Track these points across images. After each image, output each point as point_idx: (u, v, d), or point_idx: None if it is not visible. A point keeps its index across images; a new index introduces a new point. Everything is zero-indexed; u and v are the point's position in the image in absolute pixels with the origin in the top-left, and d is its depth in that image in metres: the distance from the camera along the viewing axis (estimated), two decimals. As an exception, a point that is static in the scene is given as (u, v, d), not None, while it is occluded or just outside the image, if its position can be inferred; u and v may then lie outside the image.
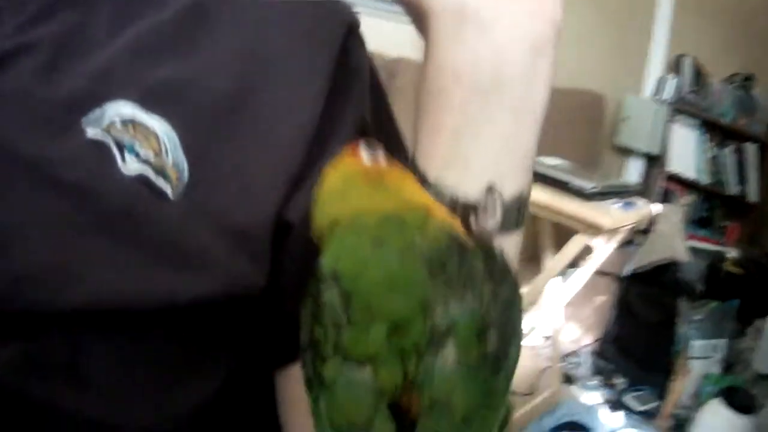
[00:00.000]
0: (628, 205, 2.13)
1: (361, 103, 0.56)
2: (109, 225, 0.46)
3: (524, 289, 2.08)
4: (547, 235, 2.43)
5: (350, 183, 0.41)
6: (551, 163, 2.30)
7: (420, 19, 0.46)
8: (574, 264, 2.37)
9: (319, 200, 0.41)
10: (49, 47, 0.51)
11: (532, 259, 2.44)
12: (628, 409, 2.61)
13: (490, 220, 0.43)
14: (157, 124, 0.48)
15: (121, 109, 0.48)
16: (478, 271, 0.38)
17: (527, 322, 2.66)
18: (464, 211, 0.43)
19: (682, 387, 2.60)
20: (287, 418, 0.56)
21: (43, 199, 0.45)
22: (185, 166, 0.48)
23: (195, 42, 0.53)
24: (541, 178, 2.14)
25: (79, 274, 0.45)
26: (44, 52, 0.51)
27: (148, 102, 0.49)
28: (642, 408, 2.62)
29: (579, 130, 3.41)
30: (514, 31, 0.43)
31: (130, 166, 0.47)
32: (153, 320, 0.48)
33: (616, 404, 2.65)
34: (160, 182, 0.47)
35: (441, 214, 0.40)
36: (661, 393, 2.67)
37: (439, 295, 0.36)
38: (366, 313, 0.36)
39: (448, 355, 0.36)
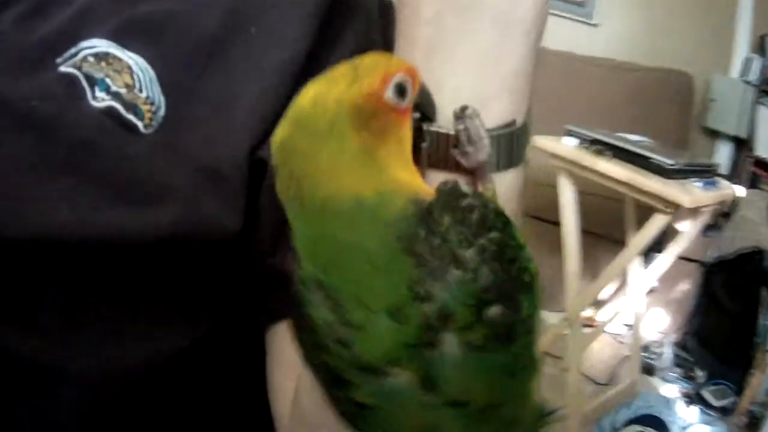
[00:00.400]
0: (709, 184, 1.99)
1: (363, 36, 0.53)
2: (70, 158, 0.45)
3: (606, 271, 2.03)
4: (631, 215, 2.30)
5: (338, 132, 0.35)
6: (633, 138, 2.18)
7: None
8: (657, 248, 2.26)
9: (289, 136, 0.36)
10: None
11: (617, 240, 2.31)
12: (706, 404, 2.48)
13: (472, 149, 0.38)
14: (132, 59, 0.48)
15: (95, 45, 0.48)
16: (457, 234, 0.34)
17: (608, 306, 2.57)
18: (443, 142, 0.39)
19: (760, 382, 2.47)
20: (273, 378, 0.53)
21: (6, 133, 0.46)
22: (161, 101, 0.48)
23: None
24: (622, 153, 2.04)
25: (27, 205, 0.45)
26: (29, 0, 0.52)
27: (124, 37, 0.49)
28: (719, 403, 2.49)
29: (667, 110, 3.33)
30: None
31: (99, 100, 0.47)
32: (115, 265, 0.46)
33: (694, 398, 2.52)
34: (130, 116, 0.47)
35: (422, 194, 0.36)
36: (739, 388, 2.53)
37: (422, 276, 0.33)
38: (359, 307, 0.34)
39: (450, 343, 0.33)
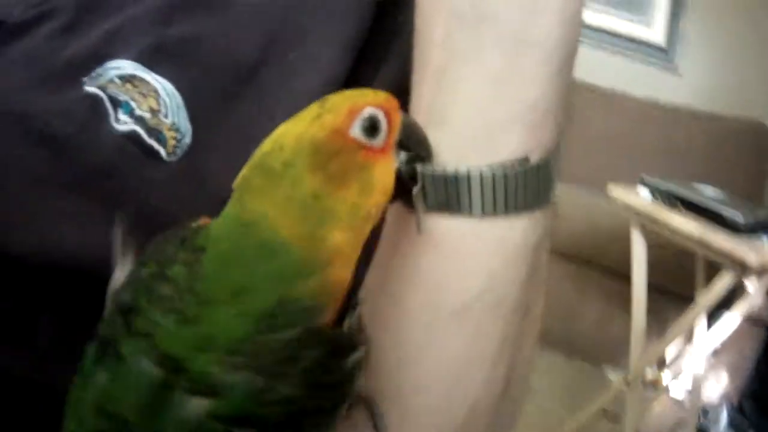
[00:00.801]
0: (781, 243, 1.99)
1: (405, 61, 0.49)
2: (83, 178, 0.44)
3: (672, 329, 2.02)
4: (701, 270, 2.30)
5: (291, 172, 0.32)
6: (705, 191, 2.20)
7: None
8: (724, 306, 2.23)
9: (248, 166, 0.34)
10: (71, 11, 0.50)
11: (685, 296, 2.32)
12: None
13: (419, 199, 0.36)
14: (159, 81, 0.46)
15: (122, 66, 0.46)
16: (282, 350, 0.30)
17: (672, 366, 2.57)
18: (438, 184, 0.36)
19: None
20: None
21: (23, 150, 0.44)
22: (188, 129, 0.46)
23: (219, 2, 0.50)
24: (691, 206, 2.05)
25: (31, 221, 0.43)
26: (64, 16, 0.49)
27: (152, 59, 0.47)
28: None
29: (745, 161, 3.28)
30: None
31: (122, 123, 0.45)
32: None
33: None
34: (152, 142, 0.45)
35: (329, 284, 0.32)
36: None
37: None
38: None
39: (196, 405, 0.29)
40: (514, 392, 0.44)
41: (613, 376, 2.49)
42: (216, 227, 0.33)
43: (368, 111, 0.33)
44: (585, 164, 3.25)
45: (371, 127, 0.33)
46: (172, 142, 0.45)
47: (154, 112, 0.45)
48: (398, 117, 0.35)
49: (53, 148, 0.44)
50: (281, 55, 0.49)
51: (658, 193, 2.14)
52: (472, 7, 0.36)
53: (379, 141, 0.34)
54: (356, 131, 0.33)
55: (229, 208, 0.33)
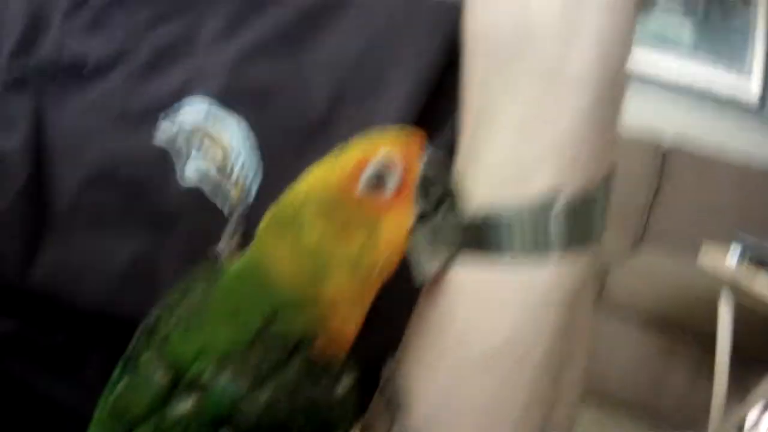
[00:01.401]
0: None
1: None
2: (150, 227, 0.44)
3: (753, 394, 1.99)
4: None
5: (299, 221, 0.34)
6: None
7: None
8: None
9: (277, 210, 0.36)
10: (149, 53, 0.50)
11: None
12: None
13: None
14: (232, 125, 0.46)
15: (196, 107, 0.47)
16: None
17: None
18: (457, 228, 0.36)
19: None
20: None
21: (94, 193, 0.44)
22: (257, 172, 0.46)
23: (305, 42, 0.51)
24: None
25: (101, 276, 0.44)
26: (143, 58, 0.50)
27: (228, 101, 0.47)
28: None
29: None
30: None
31: (187, 178, 0.45)
32: None
33: None
34: (215, 199, 0.45)
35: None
36: None
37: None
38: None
39: (183, 407, 0.32)
40: None
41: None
42: (235, 263, 0.36)
43: (376, 164, 0.34)
44: (678, 229, 3.17)
45: (377, 181, 0.34)
46: (236, 199, 0.45)
47: (220, 167, 0.45)
48: (417, 165, 0.35)
49: (122, 194, 0.44)
50: (354, 104, 0.49)
51: (749, 254, 2.14)
52: (507, 44, 0.35)
53: (388, 193, 0.34)
54: (362, 185, 0.33)
55: (250, 247, 0.36)
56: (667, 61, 3.66)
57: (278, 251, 0.34)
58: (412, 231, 0.35)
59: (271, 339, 0.33)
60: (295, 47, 0.51)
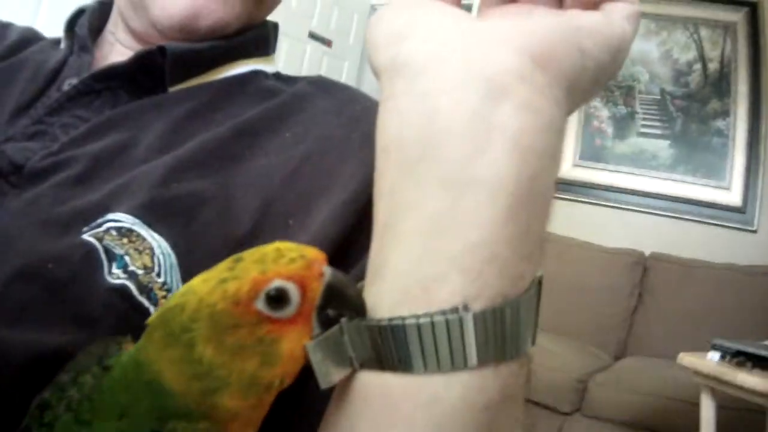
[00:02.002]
0: None
1: None
2: (71, 325, 0.43)
3: None
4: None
5: (187, 339, 0.32)
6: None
7: None
8: None
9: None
10: (87, 162, 0.51)
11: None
12: None
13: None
14: (155, 239, 0.46)
15: (120, 220, 0.46)
16: None
17: None
18: (365, 338, 0.33)
19: None
20: None
21: (19, 285, 0.43)
22: (178, 288, 0.44)
23: (235, 160, 0.51)
24: (763, 362, 2.05)
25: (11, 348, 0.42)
26: (79, 167, 0.50)
27: (151, 216, 0.47)
28: None
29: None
30: (456, 74, 0.33)
31: (114, 276, 0.44)
32: None
33: None
34: (143, 299, 0.44)
35: None
36: None
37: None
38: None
39: None
40: None
41: None
42: (126, 354, 0.34)
43: (276, 283, 0.32)
44: (664, 335, 3.22)
45: (278, 300, 0.32)
46: (161, 302, 0.44)
47: (147, 269, 0.45)
48: (317, 285, 0.33)
49: (46, 289, 0.43)
50: (278, 222, 0.48)
51: (728, 355, 2.15)
52: (413, 150, 0.33)
53: (288, 312, 0.32)
54: (261, 303, 0.31)
55: (139, 342, 0.34)
56: (646, 178, 3.80)
57: (168, 360, 0.32)
58: (313, 347, 0.33)
59: None
60: (225, 164, 0.51)
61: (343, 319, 0.33)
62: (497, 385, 0.33)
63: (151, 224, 0.46)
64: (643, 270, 3.50)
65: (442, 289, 0.32)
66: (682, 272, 3.40)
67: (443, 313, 0.31)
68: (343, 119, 0.55)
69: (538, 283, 0.34)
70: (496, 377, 0.33)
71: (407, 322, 0.32)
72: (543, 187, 0.33)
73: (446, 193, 0.32)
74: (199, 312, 0.31)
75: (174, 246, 0.46)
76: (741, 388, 2.01)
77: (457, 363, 0.32)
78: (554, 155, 0.34)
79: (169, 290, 0.45)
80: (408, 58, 0.34)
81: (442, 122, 0.32)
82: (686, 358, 2.20)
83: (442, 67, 0.33)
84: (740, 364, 2.09)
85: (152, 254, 0.45)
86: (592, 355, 3.22)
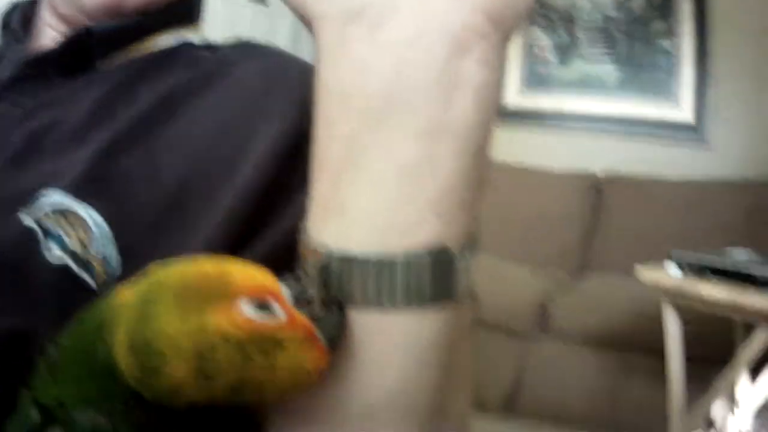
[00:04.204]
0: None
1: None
2: (16, 308, 0.44)
3: (713, 389, 1.98)
4: (741, 331, 2.26)
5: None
6: (736, 256, 2.17)
7: (310, 29, 0.36)
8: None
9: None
10: (21, 144, 0.53)
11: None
12: None
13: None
14: (89, 212, 0.47)
15: (54, 198, 0.48)
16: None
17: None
18: (340, 274, 0.34)
19: None
20: None
21: None
22: (117, 260, 0.46)
23: (160, 127, 0.53)
24: (722, 273, 2.04)
25: None
26: (13, 149, 0.53)
27: (83, 192, 0.48)
28: None
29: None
30: (418, 27, 0.33)
31: (54, 256, 0.45)
32: None
33: None
34: (84, 275, 0.45)
35: None
36: None
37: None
38: None
39: None
40: None
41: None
42: (95, 309, 0.36)
43: (252, 297, 0.32)
44: (623, 253, 3.23)
45: (264, 309, 0.32)
46: (101, 275, 0.45)
47: (84, 245, 0.46)
48: (281, 287, 0.33)
49: None
50: (204, 180, 0.49)
51: (687, 267, 2.12)
52: (380, 99, 0.33)
53: (281, 316, 0.32)
54: (252, 313, 0.32)
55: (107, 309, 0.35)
56: (595, 102, 3.80)
57: (123, 357, 0.32)
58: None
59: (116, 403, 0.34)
60: (151, 133, 0.52)
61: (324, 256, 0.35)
62: (465, 320, 0.36)
63: (85, 200, 0.48)
64: (598, 191, 3.52)
65: (421, 232, 0.34)
66: (637, 191, 3.42)
67: (424, 254, 0.33)
68: (268, 79, 0.56)
69: None
70: (464, 313, 0.36)
71: (395, 259, 0.34)
72: (492, 131, 0.36)
73: (419, 143, 0.33)
74: (181, 351, 0.31)
75: (108, 220, 0.47)
76: (705, 301, 2.00)
77: (439, 300, 0.34)
78: (498, 108, 0.37)
79: (107, 264, 0.46)
80: (364, 6, 0.34)
81: (412, 74, 0.33)
82: (645, 273, 2.17)
83: (403, 19, 0.33)
84: (701, 276, 2.05)
85: (88, 230, 0.46)
86: (552, 277, 3.26)
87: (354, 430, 0.36)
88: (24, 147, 0.53)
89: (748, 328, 2.12)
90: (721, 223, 3.12)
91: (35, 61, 0.60)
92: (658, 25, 3.69)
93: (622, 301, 2.84)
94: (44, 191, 0.48)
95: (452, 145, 0.34)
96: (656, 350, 2.39)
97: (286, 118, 0.51)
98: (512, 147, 3.49)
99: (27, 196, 0.48)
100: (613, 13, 3.78)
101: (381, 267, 0.34)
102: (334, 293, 0.34)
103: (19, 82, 0.59)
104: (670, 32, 3.65)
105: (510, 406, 2.99)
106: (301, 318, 0.32)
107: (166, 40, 0.64)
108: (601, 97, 3.80)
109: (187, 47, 0.64)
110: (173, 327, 0.31)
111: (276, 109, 0.53)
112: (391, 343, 0.35)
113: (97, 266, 0.46)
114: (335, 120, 0.35)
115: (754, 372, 2.19)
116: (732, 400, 2.21)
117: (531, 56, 3.95)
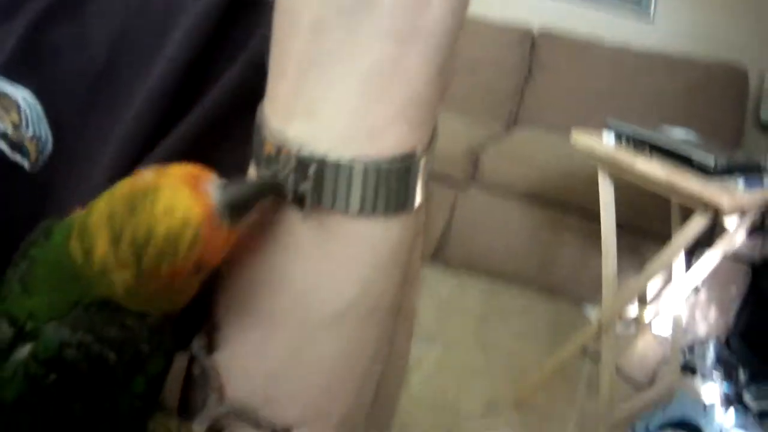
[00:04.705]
0: (755, 184, 1.92)
1: (236, 80, 0.47)
2: None
3: (648, 268, 2.00)
4: (677, 211, 2.27)
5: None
6: (675, 135, 2.14)
7: None
8: (707, 243, 2.23)
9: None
10: None
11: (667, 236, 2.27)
12: (746, 407, 2.42)
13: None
14: (20, 92, 0.46)
15: None
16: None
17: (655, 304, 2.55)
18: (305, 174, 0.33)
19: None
20: None
21: None
22: (48, 137, 0.46)
23: (85, 5, 0.50)
24: (661, 151, 1.99)
25: None
26: None
27: (13, 70, 0.46)
28: (759, 405, 2.42)
29: (721, 104, 3.25)
30: None
31: None
32: None
33: (734, 400, 2.47)
34: (16, 156, 0.45)
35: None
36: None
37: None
38: None
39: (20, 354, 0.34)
40: (388, 390, 0.44)
41: (594, 315, 2.46)
42: (63, 224, 0.36)
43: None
44: (556, 111, 3.26)
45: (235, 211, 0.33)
46: (34, 154, 0.45)
47: (15, 126, 0.45)
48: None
49: None
50: (133, 49, 0.48)
51: (624, 138, 2.07)
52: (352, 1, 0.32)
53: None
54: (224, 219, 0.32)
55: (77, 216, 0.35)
56: None
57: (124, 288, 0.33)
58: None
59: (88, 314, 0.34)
60: (79, 6, 0.50)
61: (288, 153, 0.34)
62: (420, 224, 0.37)
63: (14, 79, 0.46)
64: (532, 46, 3.51)
65: (390, 137, 0.33)
66: (573, 50, 3.43)
67: (393, 160, 0.33)
68: None
69: None
70: (420, 217, 0.37)
71: (365, 164, 0.33)
72: (458, 37, 0.34)
73: (391, 44, 0.32)
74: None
75: (39, 95, 0.46)
76: (641, 177, 1.96)
77: (402, 205, 0.34)
78: (466, 9, 0.35)
79: (39, 140, 0.45)
80: None
81: None
82: (580, 139, 2.11)
83: None
84: (638, 149, 2.02)
85: (19, 109, 0.45)
86: (483, 125, 3.27)
87: (317, 335, 0.36)
88: None
89: (685, 209, 2.10)
90: (659, 99, 3.14)
91: None
92: None
93: (554, 159, 2.85)
94: None
95: (425, 48, 0.33)
96: (590, 213, 2.41)
97: None
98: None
99: None
100: None
101: (350, 170, 0.33)
102: (288, 187, 0.34)
103: None
104: None
105: (438, 254, 3.04)
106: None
107: None
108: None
109: None
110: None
111: None
112: (356, 250, 0.35)
113: (30, 147, 0.45)
114: (297, 12, 0.33)
115: (689, 254, 2.23)
116: (667, 281, 2.27)
117: None
